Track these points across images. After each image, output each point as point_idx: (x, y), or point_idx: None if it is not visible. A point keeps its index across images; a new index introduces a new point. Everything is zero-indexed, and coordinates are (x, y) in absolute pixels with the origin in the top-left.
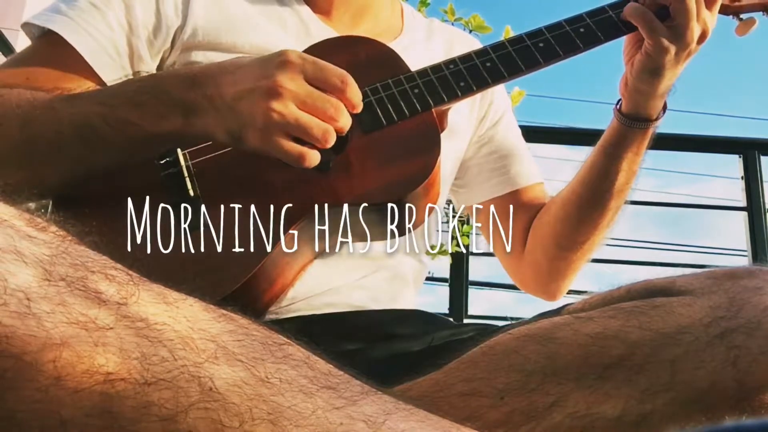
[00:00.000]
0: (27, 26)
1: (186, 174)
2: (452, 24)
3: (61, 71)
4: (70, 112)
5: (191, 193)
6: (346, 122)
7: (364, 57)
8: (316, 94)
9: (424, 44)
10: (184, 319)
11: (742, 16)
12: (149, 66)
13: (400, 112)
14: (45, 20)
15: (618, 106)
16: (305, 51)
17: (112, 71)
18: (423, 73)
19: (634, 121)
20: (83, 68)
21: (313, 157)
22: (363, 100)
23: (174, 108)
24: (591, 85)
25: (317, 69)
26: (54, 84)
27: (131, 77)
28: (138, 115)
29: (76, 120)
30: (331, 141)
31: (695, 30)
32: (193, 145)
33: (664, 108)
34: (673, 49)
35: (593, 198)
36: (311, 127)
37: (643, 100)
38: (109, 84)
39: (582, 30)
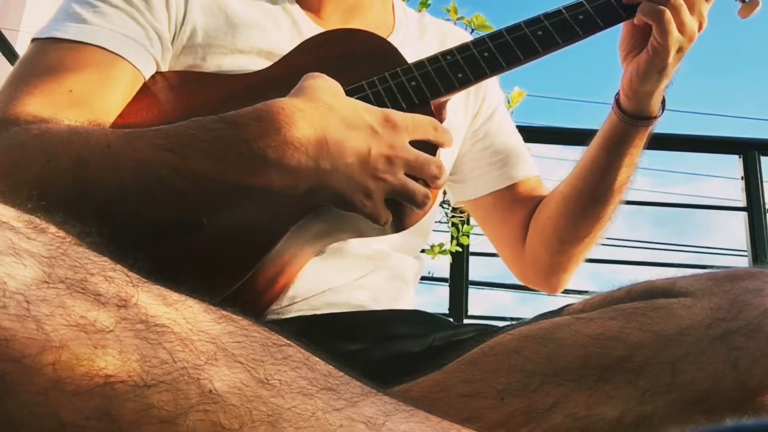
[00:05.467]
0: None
1: None
2: (455, 23)
3: (103, 76)
4: (133, 157)
5: None
6: (444, 180)
7: (359, 50)
8: (422, 157)
9: (417, 41)
10: (183, 321)
11: None
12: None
13: (397, 106)
14: (77, 34)
15: (617, 104)
16: (300, 45)
17: (149, 62)
18: (420, 65)
19: (637, 119)
20: (125, 70)
21: (390, 219)
22: (359, 94)
23: (263, 164)
24: (591, 85)
25: (417, 126)
26: (97, 91)
27: (197, 118)
28: (217, 169)
29: (141, 168)
30: (430, 205)
31: (694, 24)
32: None
33: (663, 104)
34: (681, 45)
35: (595, 193)
36: (415, 193)
37: (646, 99)
38: (147, 75)
39: (581, 17)
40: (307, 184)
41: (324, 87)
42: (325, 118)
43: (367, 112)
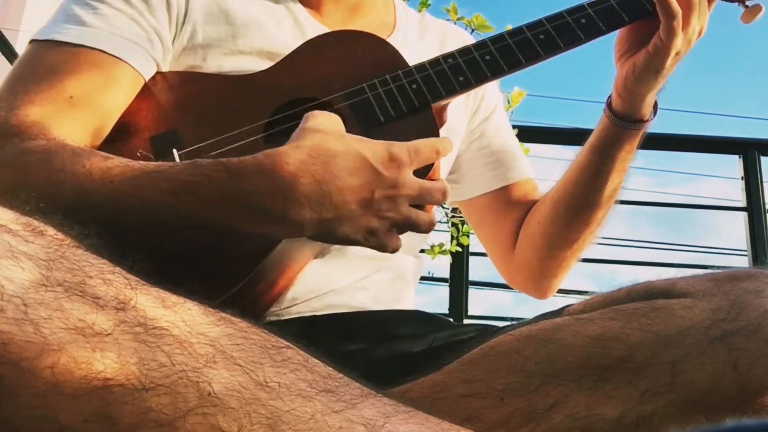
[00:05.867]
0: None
1: None
2: (455, 23)
3: (103, 79)
4: (135, 195)
5: None
6: (447, 197)
7: (361, 52)
8: (426, 188)
9: (418, 41)
10: (182, 323)
11: (747, 3)
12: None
13: (398, 109)
14: (77, 37)
15: (609, 108)
16: (301, 46)
17: (149, 63)
18: (421, 67)
19: (628, 122)
20: (125, 72)
21: (399, 245)
22: (360, 96)
23: (266, 217)
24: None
25: (417, 156)
26: (98, 94)
27: (199, 162)
28: (221, 220)
29: (142, 209)
30: (433, 228)
31: (697, 28)
32: None
33: (655, 108)
34: (681, 47)
35: (586, 197)
36: (419, 224)
37: (639, 101)
38: (147, 77)
39: (583, 20)
40: (310, 233)
41: (326, 130)
42: (328, 167)
43: (371, 153)
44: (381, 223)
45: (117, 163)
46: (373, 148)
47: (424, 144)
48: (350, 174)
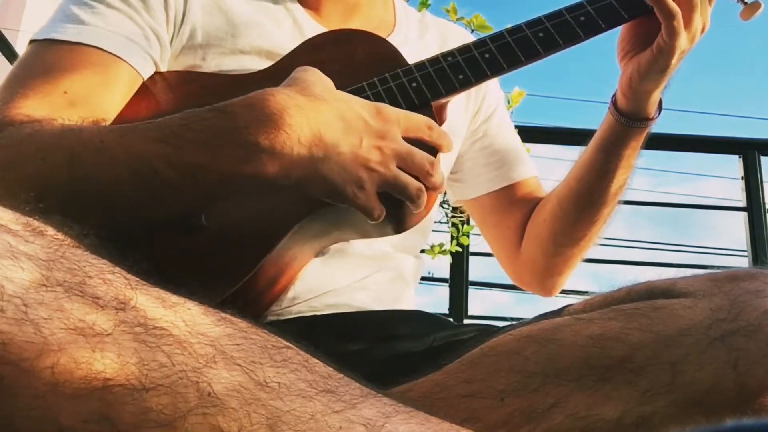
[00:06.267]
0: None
1: None
2: (454, 23)
3: (101, 77)
4: (126, 151)
5: None
6: (439, 179)
7: (360, 51)
8: (415, 151)
9: (418, 40)
10: (182, 323)
11: (746, 0)
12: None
13: (398, 107)
14: (75, 35)
15: (614, 106)
16: (300, 45)
17: (147, 62)
18: (420, 66)
19: (634, 120)
20: (123, 70)
21: (383, 214)
22: (360, 95)
23: (255, 151)
24: (591, 85)
25: (409, 122)
26: (95, 92)
27: (189, 110)
28: (210, 159)
29: (135, 162)
30: (424, 201)
31: (699, 25)
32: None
33: (660, 106)
34: (685, 46)
35: (592, 195)
36: (407, 186)
37: (644, 100)
38: (145, 76)
39: (582, 18)
40: (299, 172)
41: (315, 79)
42: (317, 107)
43: (359, 104)
44: (370, 176)
45: (106, 126)
46: (361, 101)
47: (415, 114)
48: (339, 118)
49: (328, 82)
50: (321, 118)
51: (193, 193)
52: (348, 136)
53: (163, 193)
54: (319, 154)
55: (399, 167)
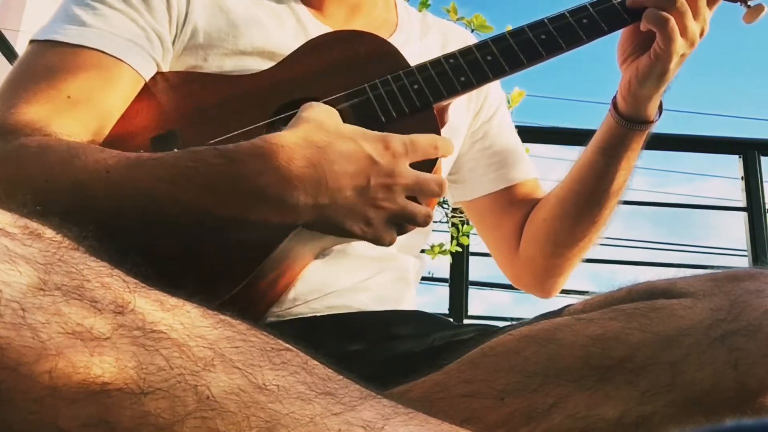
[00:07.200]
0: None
1: None
2: (455, 24)
3: (103, 80)
4: (132, 185)
5: None
6: (445, 190)
7: (362, 52)
8: (422, 179)
9: (420, 40)
10: (181, 327)
11: (750, 2)
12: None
13: (399, 109)
14: (76, 37)
15: (614, 108)
16: (302, 46)
17: (149, 64)
18: (422, 68)
19: (634, 123)
20: (125, 73)
21: (395, 240)
22: (362, 96)
23: (261, 200)
24: (591, 85)
25: (417, 150)
26: (98, 95)
27: (195, 149)
28: (216, 204)
29: (140, 198)
30: (431, 221)
31: (697, 29)
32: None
33: (660, 108)
34: (683, 51)
35: (592, 196)
36: (415, 216)
37: (644, 103)
38: (147, 77)
39: (585, 21)
40: (305, 218)
41: (322, 118)
42: (324, 152)
43: (366, 141)
44: (377, 213)
45: (112, 154)
46: (368, 137)
47: (421, 137)
48: (345, 160)
49: (335, 117)
50: (327, 164)
51: (194, 232)
52: (355, 179)
53: (164, 230)
54: (325, 201)
55: (408, 197)
